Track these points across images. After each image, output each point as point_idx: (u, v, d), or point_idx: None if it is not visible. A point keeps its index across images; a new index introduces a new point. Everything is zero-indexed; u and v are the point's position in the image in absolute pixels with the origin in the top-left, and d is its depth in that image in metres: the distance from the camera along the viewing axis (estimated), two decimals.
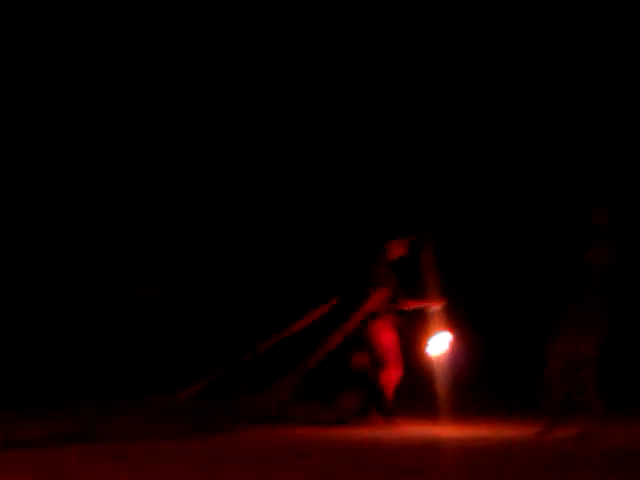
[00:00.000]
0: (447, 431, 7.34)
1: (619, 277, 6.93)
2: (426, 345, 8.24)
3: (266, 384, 8.02)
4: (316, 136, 10.17)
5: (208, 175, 10.11)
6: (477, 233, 9.75)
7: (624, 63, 9.84)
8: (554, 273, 6.96)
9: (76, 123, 9.98)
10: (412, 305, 8.37)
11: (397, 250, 8.42)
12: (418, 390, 8.41)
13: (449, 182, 10.00)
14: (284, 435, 7.22)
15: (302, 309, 8.51)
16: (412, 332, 8.48)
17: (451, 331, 8.23)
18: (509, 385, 8.89)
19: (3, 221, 9.48)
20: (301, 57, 10.17)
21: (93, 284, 9.66)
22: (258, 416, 7.75)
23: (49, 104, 9.91)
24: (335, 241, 9.58)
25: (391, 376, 8.12)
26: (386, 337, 8.27)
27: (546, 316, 7.36)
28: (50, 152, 9.89)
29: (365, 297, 8.31)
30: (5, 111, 9.71)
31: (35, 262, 9.60)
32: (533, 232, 8.93)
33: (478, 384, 8.97)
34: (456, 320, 8.33)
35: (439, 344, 8.17)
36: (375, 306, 8.31)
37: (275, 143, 10.17)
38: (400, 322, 8.41)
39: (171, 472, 5.16)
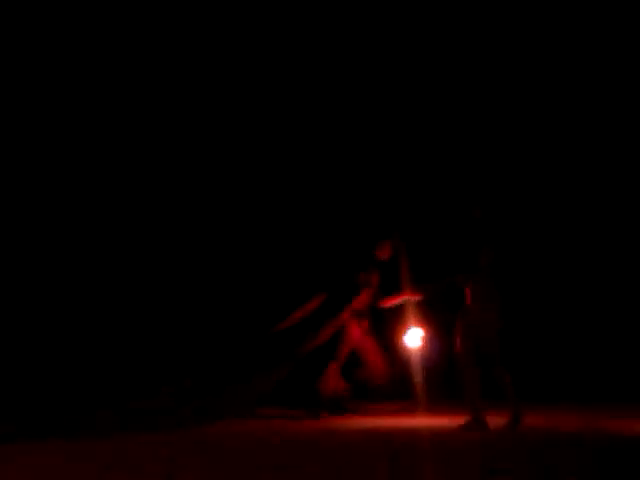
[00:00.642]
0: (420, 420, 7.79)
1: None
2: (403, 339, 8.64)
3: (251, 375, 8.48)
4: (308, 139, 10.43)
5: (200, 174, 10.32)
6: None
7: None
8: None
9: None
10: (391, 302, 8.71)
11: (385, 251, 8.97)
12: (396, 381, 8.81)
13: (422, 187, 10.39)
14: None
15: (292, 306, 8.91)
16: (387, 328, 8.96)
17: (423, 326, 8.62)
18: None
19: None
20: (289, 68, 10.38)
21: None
22: (240, 407, 8.25)
23: (48, 104, 10.00)
24: (327, 242, 9.88)
25: (366, 372, 8.76)
26: (361, 334, 8.85)
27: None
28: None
29: (353, 296, 8.88)
30: (4, 111, 9.81)
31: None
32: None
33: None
34: (428, 315, 8.72)
35: (414, 338, 8.57)
36: (360, 305, 8.90)
37: (268, 145, 10.40)
38: (370, 320, 8.95)
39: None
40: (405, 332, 8.63)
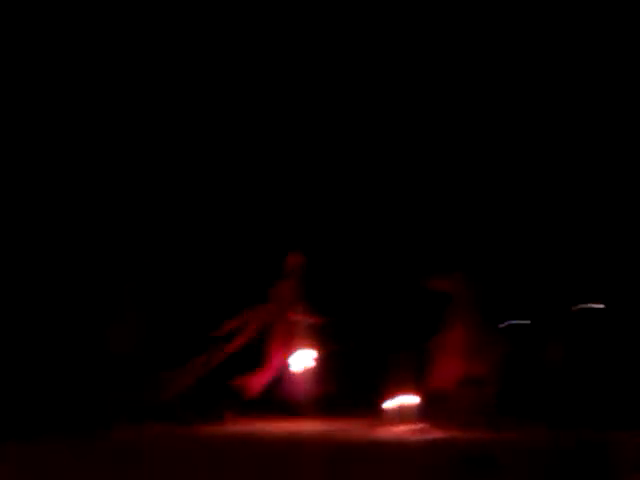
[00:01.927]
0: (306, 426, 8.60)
1: None
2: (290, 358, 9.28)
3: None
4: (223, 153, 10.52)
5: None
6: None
7: None
8: None
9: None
10: (296, 317, 9.41)
11: (295, 263, 9.47)
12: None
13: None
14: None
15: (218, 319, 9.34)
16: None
17: (316, 347, 9.25)
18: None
19: None
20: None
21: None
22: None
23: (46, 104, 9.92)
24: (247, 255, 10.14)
25: (262, 378, 9.23)
26: (274, 343, 9.37)
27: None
28: None
29: (262, 307, 9.41)
30: (4, 111, 9.73)
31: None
32: None
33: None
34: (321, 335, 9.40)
35: (303, 359, 9.23)
36: (270, 315, 9.40)
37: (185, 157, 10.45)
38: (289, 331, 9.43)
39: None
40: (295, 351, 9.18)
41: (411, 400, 8.51)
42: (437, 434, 7.87)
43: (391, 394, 8.63)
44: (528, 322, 9.56)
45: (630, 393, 8.69)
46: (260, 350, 9.41)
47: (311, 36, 10.38)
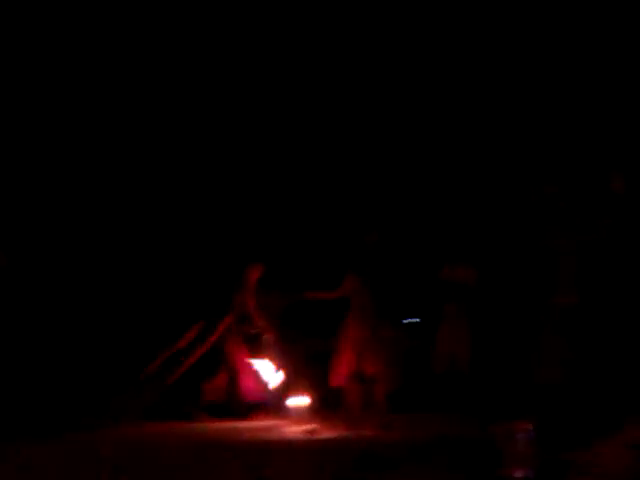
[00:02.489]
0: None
1: None
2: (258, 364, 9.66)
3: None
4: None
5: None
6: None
7: None
8: None
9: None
10: (249, 330, 9.97)
11: (254, 275, 9.94)
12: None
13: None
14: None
15: (175, 331, 9.89)
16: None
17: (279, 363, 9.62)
18: None
19: None
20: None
21: None
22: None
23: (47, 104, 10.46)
24: (204, 267, 10.55)
25: (244, 384, 9.70)
26: (238, 352, 9.92)
27: None
28: None
29: (221, 319, 9.92)
30: (5, 111, 10.06)
31: None
32: None
33: None
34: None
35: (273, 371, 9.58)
36: (227, 325, 9.92)
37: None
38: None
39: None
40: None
41: (303, 400, 8.75)
42: (328, 433, 7.97)
43: (292, 393, 8.91)
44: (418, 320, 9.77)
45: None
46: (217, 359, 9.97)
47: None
